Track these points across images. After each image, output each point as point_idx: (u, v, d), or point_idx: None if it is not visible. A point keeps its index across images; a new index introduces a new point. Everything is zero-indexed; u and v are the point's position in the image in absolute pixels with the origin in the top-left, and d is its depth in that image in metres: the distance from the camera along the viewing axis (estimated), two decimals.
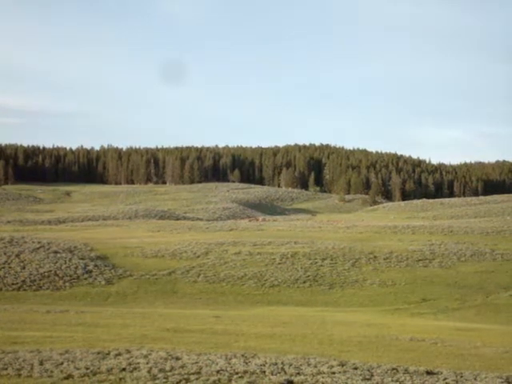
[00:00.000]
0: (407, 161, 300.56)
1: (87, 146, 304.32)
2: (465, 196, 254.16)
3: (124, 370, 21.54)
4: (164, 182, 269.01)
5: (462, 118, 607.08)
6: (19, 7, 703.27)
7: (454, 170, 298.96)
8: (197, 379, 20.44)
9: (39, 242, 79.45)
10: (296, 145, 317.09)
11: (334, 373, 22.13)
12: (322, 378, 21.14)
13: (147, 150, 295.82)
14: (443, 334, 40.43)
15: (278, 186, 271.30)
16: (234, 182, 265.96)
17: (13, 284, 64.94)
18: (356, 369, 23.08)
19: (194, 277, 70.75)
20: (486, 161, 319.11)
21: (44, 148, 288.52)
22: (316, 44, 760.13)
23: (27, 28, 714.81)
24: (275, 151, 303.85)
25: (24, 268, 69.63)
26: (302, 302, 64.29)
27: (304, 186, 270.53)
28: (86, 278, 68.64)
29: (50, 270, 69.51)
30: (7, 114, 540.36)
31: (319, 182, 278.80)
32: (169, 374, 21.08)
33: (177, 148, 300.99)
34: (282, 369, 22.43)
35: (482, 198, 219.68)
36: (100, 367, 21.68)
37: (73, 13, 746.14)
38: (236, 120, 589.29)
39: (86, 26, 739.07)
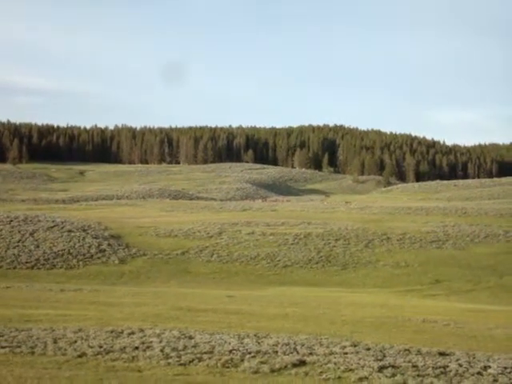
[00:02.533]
0: (421, 142, 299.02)
1: (101, 125, 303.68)
2: (479, 177, 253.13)
3: (137, 348, 21.64)
4: (178, 162, 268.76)
5: (477, 99, 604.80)
6: None
7: (469, 151, 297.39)
8: (209, 358, 20.51)
9: (53, 221, 79.69)
10: (310, 125, 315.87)
11: (346, 353, 22.16)
12: (335, 358, 21.18)
13: (161, 130, 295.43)
14: (456, 315, 40.42)
15: (292, 166, 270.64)
16: (247, 162, 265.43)
17: (27, 262, 65.24)
18: (368, 349, 23.10)
19: (207, 256, 70.91)
20: (501, 142, 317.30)
21: (58, 127, 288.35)
22: (330, 25, 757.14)
23: (42, 10, 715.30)
24: (289, 132, 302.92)
25: (38, 247, 69.91)
26: (315, 282, 64.36)
27: (318, 166, 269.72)
28: (99, 257, 68.87)
29: (64, 249, 69.78)
30: (22, 93, 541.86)
31: (333, 162, 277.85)
32: (182, 353, 21.16)
33: (191, 128, 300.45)
34: (295, 349, 22.48)
35: (496, 179, 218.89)
36: (113, 346, 21.78)
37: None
38: (250, 100, 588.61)
39: (101, 8, 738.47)
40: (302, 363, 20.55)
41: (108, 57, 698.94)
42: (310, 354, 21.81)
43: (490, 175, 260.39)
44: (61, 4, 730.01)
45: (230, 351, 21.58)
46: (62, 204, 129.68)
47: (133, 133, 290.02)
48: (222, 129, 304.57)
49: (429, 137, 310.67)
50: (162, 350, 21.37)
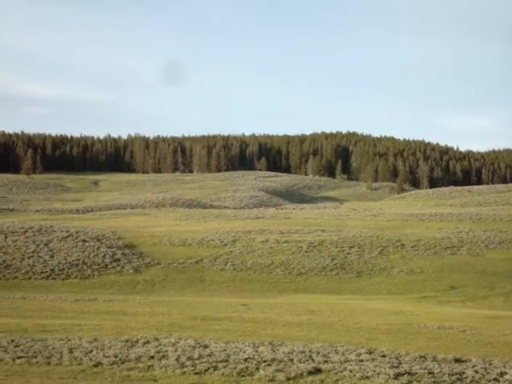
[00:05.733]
0: (435, 148, 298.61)
1: (114, 134, 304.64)
2: (493, 183, 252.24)
3: (152, 357, 21.68)
4: (191, 171, 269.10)
5: (490, 105, 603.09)
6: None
7: (482, 157, 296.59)
8: (225, 367, 20.52)
9: (68, 231, 79.86)
10: (323, 132, 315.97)
11: (361, 360, 22.14)
12: (350, 365, 21.16)
13: (174, 139, 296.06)
14: (472, 321, 40.28)
15: (305, 174, 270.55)
16: (260, 170, 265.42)
17: (42, 273, 65.39)
18: (384, 356, 23.06)
19: (221, 265, 70.88)
20: None
21: (72, 137, 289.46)
22: (341, 30, 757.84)
23: (55, 19, 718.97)
24: (302, 139, 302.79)
25: (53, 257, 70.07)
26: (330, 289, 64.25)
27: (331, 173, 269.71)
28: (114, 267, 68.95)
29: (79, 259, 69.90)
30: (36, 104, 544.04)
31: (346, 169, 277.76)
32: (197, 361, 21.18)
33: (203, 136, 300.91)
34: (310, 357, 22.46)
35: (510, 185, 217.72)
36: (129, 355, 21.82)
37: (101, 4, 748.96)
38: (263, 108, 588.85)
39: (110, 13, 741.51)
40: (318, 371, 20.55)
41: (120, 66, 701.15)
42: (326, 361, 21.80)
43: (504, 181, 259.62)
44: (70, 15, 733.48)
45: (246, 359, 21.59)
46: (76, 214, 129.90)
47: (146, 142, 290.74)
48: (234, 137, 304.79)
49: (442, 143, 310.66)
50: (177, 359, 21.40)
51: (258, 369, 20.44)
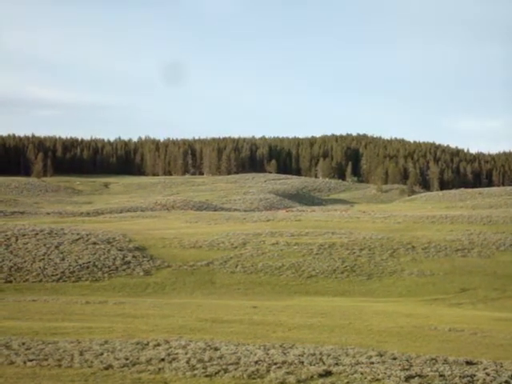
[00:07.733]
0: (445, 150, 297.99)
1: (125, 137, 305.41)
2: (504, 185, 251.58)
3: (163, 360, 21.70)
4: (201, 173, 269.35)
5: (500, 107, 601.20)
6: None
7: (493, 159, 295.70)
8: (235, 369, 20.51)
9: (78, 234, 79.93)
10: (333, 135, 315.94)
11: (372, 363, 22.09)
12: (361, 368, 21.12)
13: (184, 142, 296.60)
14: (482, 324, 40.19)
15: (315, 176, 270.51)
16: (270, 172, 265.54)
17: (52, 275, 65.45)
18: (395, 359, 23.01)
19: (231, 267, 70.86)
20: None
21: (82, 140, 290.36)
22: (351, 33, 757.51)
23: (65, 23, 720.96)
24: (312, 141, 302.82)
25: (63, 259, 70.15)
26: (340, 292, 64.17)
27: (341, 176, 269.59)
28: (124, 269, 68.98)
29: (89, 262, 69.95)
30: (46, 107, 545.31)
31: (356, 172, 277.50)
32: (207, 364, 21.19)
33: (214, 139, 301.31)
34: (321, 359, 22.43)
35: None
36: (139, 358, 21.84)
37: (112, 8, 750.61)
38: (273, 111, 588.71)
39: (122, 19, 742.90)
40: (329, 373, 20.52)
41: (130, 69, 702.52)
42: (336, 364, 21.77)
43: None
44: (81, 18, 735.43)
45: (256, 362, 21.58)
46: (87, 217, 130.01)
47: (156, 145, 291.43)
48: (245, 139, 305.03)
49: (452, 145, 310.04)
50: (187, 362, 21.41)
51: (268, 371, 20.43)
